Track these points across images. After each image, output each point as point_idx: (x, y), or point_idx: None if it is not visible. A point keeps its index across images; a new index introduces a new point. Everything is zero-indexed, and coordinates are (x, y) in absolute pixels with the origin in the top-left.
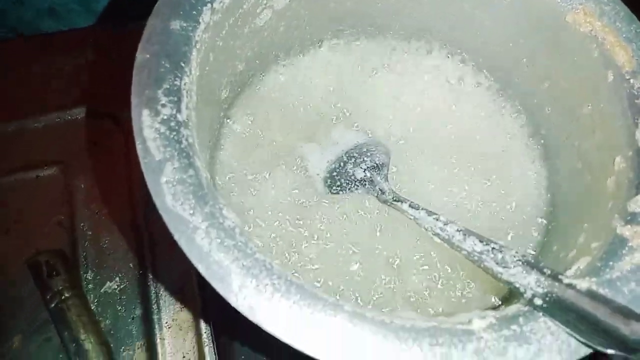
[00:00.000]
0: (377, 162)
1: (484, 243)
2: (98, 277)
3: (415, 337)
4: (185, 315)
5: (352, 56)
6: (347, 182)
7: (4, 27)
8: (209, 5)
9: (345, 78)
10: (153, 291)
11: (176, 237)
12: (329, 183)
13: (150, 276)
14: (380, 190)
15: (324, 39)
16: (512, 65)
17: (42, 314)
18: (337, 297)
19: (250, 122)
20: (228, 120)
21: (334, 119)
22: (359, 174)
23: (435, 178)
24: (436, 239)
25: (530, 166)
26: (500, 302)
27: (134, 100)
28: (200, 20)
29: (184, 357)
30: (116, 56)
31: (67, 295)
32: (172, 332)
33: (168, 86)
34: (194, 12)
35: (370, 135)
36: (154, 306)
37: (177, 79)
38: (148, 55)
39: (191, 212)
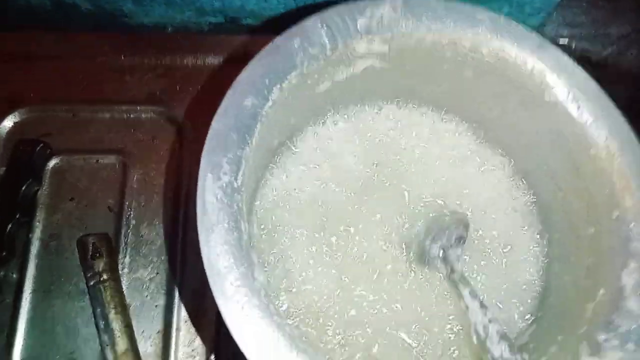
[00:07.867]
0: (456, 237)
1: (512, 352)
2: (133, 264)
3: None
4: (201, 314)
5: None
6: (427, 259)
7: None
8: (278, 85)
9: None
10: (177, 286)
11: (211, 284)
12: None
13: (178, 273)
14: (452, 269)
15: (379, 100)
16: (535, 166)
17: (82, 285)
18: None
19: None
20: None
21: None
22: (434, 251)
23: None
24: (473, 337)
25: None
26: None
27: (202, 163)
28: (270, 98)
29: (193, 350)
30: (189, 62)
31: (105, 277)
32: (188, 326)
33: (232, 155)
34: (265, 92)
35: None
36: (176, 300)
37: (239, 149)
38: (221, 126)
39: (227, 270)
